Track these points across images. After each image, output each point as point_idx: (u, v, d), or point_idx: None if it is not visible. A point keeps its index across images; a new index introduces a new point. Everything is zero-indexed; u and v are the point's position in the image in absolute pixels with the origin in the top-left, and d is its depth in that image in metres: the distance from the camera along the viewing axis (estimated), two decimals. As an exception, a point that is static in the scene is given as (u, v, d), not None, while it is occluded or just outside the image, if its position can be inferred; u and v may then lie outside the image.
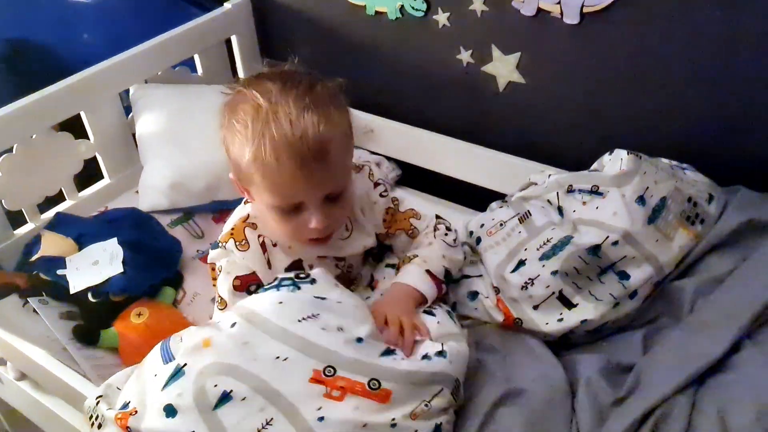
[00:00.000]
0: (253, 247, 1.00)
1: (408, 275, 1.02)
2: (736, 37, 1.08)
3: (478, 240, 1.14)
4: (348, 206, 1.00)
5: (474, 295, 1.08)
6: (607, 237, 1.01)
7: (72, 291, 1.18)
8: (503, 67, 1.33)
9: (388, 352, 0.88)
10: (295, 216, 0.93)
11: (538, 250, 1.05)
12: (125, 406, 0.88)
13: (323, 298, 0.91)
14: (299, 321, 0.87)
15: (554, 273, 1.01)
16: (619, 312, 1.01)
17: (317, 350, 0.85)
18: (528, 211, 1.11)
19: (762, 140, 1.14)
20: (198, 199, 1.41)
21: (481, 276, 1.09)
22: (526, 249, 1.06)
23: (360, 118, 1.50)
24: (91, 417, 0.91)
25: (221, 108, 0.95)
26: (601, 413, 0.91)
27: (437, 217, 1.11)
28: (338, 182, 0.94)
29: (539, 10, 1.22)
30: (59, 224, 1.34)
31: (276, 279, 0.95)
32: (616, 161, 1.11)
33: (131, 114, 1.51)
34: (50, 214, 1.40)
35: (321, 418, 0.82)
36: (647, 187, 1.05)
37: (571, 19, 1.20)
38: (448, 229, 1.09)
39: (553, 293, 1.01)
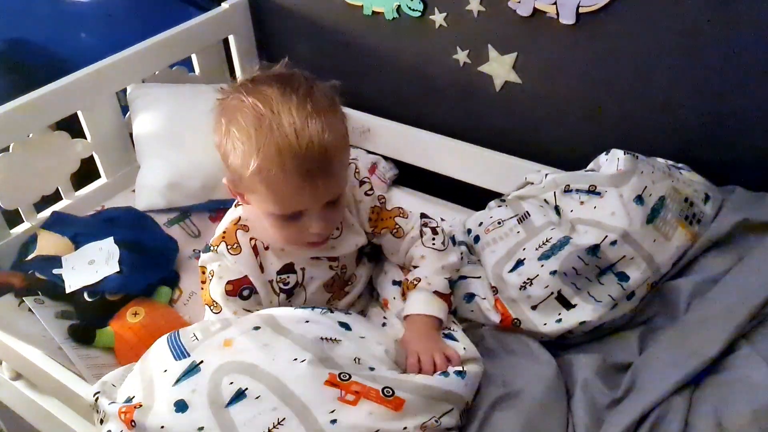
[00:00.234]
0: (245, 251, 0.99)
1: (419, 303, 1.01)
2: (731, 36, 1.08)
3: (476, 239, 1.14)
4: (343, 207, 1.00)
5: (470, 297, 1.07)
6: (606, 237, 1.01)
7: (68, 290, 1.18)
8: (500, 67, 1.33)
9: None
10: (294, 222, 0.93)
11: (537, 249, 1.04)
12: (129, 400, 0.87)
13: (348, 328, 0.92)
14: (321, 339, 0.88)
15: (553, 273, 1.01)
16: (616, 313, 1.01)
17: (334, 364, 0.86)
18: (527, 211, 1.11)
19: (758, 140, 1.14)
20: (195, 199, 1.41)
21: (479, 277, 1.09)
22: (524, 249, 1.06)
23: (357, 117, 1.50)
24: (97, 412, 0.91)
25: (215, 112, 0.93)
26: (598, 415, 0.91)
27: (423, 215, 1.09)
28: (339, 187, 0.94)
29: (535, 10, 1.22)
30: (55, 223, 1.35)
31: (312, 307, 0.96)
32: (612, 161, 1.11)
33: (128, 113, 1.50)
34: (46, 213, 1.40)
35: (333, 421, 0.82)
36: (645, 187, 1.05)
37: (567, 19, 1.20)
38: (435, 231, 1.07)
39: (552, 294, 1.01)
